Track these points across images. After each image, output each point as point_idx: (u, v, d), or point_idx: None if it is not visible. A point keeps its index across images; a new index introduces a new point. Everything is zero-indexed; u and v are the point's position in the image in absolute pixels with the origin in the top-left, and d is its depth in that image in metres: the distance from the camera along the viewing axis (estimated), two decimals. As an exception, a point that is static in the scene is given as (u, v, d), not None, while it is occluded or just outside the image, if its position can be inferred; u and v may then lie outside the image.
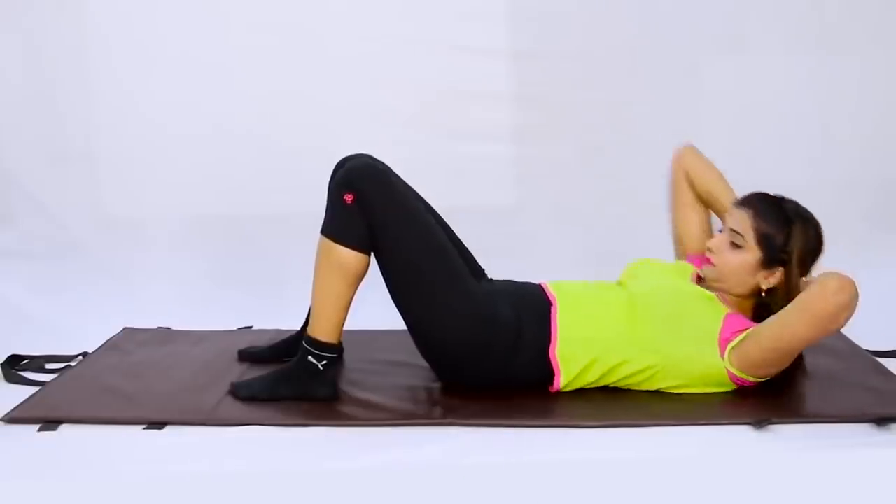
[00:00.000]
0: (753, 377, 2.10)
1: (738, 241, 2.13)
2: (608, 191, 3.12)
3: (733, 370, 2.09)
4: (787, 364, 2.10)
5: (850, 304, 1.93)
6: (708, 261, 2.19)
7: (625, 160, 3.10)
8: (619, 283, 2.31)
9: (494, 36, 3.07)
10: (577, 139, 3.13)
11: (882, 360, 2.41)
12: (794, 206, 2.16)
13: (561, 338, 2.15)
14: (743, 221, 2.13)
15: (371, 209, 2.10)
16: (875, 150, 3.14)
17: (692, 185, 2.44)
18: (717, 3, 3.07)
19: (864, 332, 2.55)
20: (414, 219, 2.14)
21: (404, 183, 2.23)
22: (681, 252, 2.49)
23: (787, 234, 2.10)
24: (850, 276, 1.95)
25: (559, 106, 3.11)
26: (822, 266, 2.15)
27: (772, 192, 2.19)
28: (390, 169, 2.21)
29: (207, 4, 3.04)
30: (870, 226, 3.12)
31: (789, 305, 2.01)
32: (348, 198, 2.10)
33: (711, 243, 2.19)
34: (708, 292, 2.18)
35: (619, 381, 2.16)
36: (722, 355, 2.08)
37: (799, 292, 2.04)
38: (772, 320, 2.04)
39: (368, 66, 3.05)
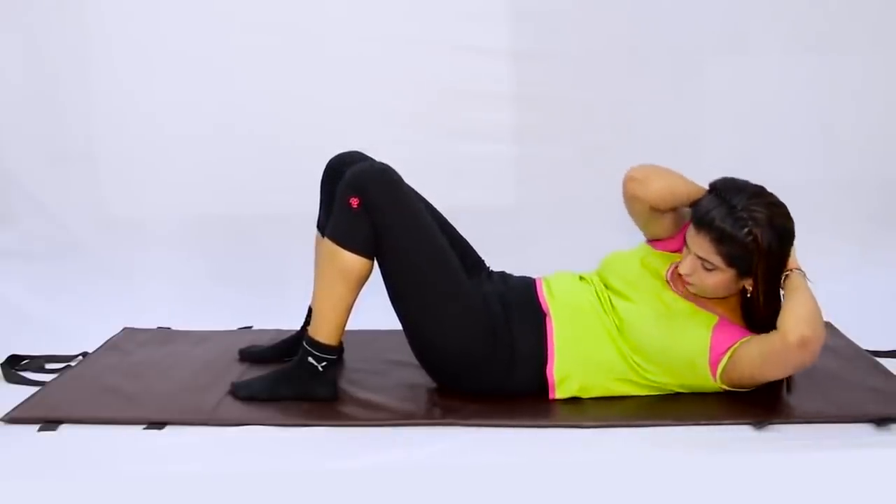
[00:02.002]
0: (747, 389, 2.14)
1: (708, 265, 2.05)
2: (608, 191, 3.09)
3: (726, 387, 2.13)
4: None
5: (816, 351, 1.97)
6: (686, 281, 2.12)
7: (625, 160, 3.07)
8: (601, 277, 2.27)
9: (495, 36, 3.06)
10: (577, 139, 3.12)
11: (882, 360, 2.41)
12: (748, 207, 1.99)
13: (558, 358, 2.15)
14: (705, 248, 2.02)
15: (376, 213, 2.09)
16: (876, 149, 3.14)
17: (658, 209, 2.22)
18: (718, 2, 3.07)
19: (864, 332, 2.56)
20: (417, 224, 2.13)
21: (407, 185, 2.22)
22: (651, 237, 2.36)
23: (753, 248, 1.99)
24: (815, 323, 1.95)
25: (559, 106, 3.11)
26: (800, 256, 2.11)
27: (726, 179, 2.06)
28: (394, 170, 2.19)
29: (208, 4, 3.04)
30: (872, 226, 3.12)
31: (763, 350, 2.01)
32: (354, 202, 2.09)
33: (684, 269, 2.08)
34: (691, 304, 2.15)
35: (616, 395, 2.18)
36: (714, 377, 2.10)
37: (783, 281, 2.05)
38: (753, 359, 2.04)
39: (368, 66, 3.05)
